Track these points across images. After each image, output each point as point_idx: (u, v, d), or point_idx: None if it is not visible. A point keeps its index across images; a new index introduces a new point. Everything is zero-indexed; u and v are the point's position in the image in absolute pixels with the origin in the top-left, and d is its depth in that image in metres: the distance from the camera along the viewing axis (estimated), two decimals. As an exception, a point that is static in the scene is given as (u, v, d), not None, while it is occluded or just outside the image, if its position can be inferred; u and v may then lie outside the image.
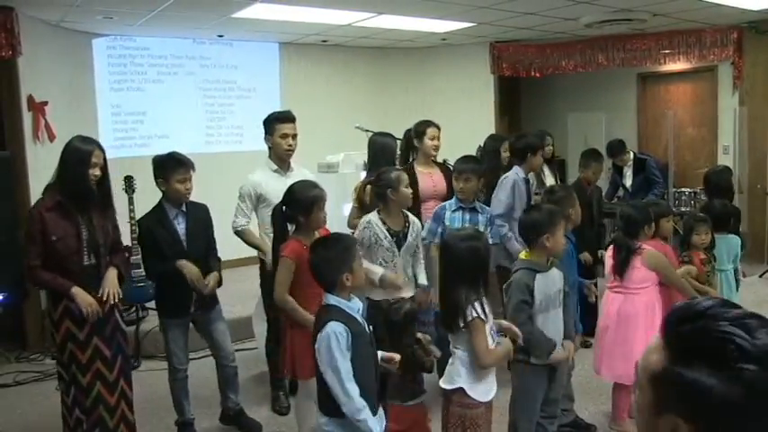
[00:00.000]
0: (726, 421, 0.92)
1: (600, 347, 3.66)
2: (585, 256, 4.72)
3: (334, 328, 2.32)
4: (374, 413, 2.44)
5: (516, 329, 2.81)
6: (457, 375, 2.74)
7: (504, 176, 4.32)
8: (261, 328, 4.31)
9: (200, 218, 3.66)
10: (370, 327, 2.53)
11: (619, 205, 5.55)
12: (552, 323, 3.02)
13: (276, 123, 3.99)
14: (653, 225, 3.65)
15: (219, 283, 3.67)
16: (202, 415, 3.91)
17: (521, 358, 2.99)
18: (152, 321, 5.26)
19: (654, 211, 3.82)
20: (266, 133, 4.04)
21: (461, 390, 2.71)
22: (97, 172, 3.13)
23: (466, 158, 4.09)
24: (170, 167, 3.50)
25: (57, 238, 3.07)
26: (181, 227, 3.57)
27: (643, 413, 1.02)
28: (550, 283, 3.02)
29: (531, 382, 3.03)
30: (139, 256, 5.20)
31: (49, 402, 4.33)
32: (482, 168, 4.10)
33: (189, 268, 3.48)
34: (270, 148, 4.05)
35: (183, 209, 3.59)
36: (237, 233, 3.94)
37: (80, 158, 3.09)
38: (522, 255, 3.14)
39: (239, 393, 3.89)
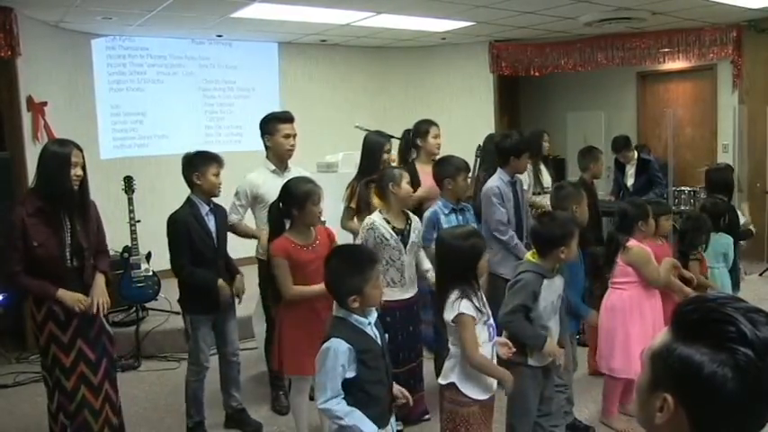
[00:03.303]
0: (709, 403, 0.93)
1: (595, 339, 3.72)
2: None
3: (335, 346, 2.24)
4: (385, 424, 2.40)
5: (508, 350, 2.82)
6: (450, 371, 2.75)
7: (484, 188, 4.15)
8: (261, 328, 4.31)
9: (224, 217, 3.75)
10: (385, 335, 2.46)
11: (618, 204, 5.54)
12: (553, 329, 3.04)
13: (278, 123, 3.99)
14: (650, 222, 3.66)
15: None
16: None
17: (517, 361, 2.98)
18: (152, 321, 5.26)
19: (654, 209, 3.84)
20: (265, 133, 4.02)
21: (454, 385, 2.72)
22: (79, 172, 3.12)
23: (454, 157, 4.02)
24: (207, 161, 3.60)
25: (38, 243, 3.04)
26: (212, 224, 3.63)
27: (640, 391, 1.03)
28: (554, 290, 3.03)
29: (527, 384, 3.02)
30: (139, 257, 5.23)
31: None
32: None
33: (225, 291, 3.59)
34: (268, 147, 4.04)
35: (212, 207, 3.65)
36: (230, 228, 3.93)
37: (60, 161, 3.07)
38: (529, 255, 3.10)
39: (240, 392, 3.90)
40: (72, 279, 3.13)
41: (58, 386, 3.17)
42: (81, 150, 3.16)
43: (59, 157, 3.08)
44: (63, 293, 3.08)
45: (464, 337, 2.65)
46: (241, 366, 3.92)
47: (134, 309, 5.28)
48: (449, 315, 2.67)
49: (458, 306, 2.64)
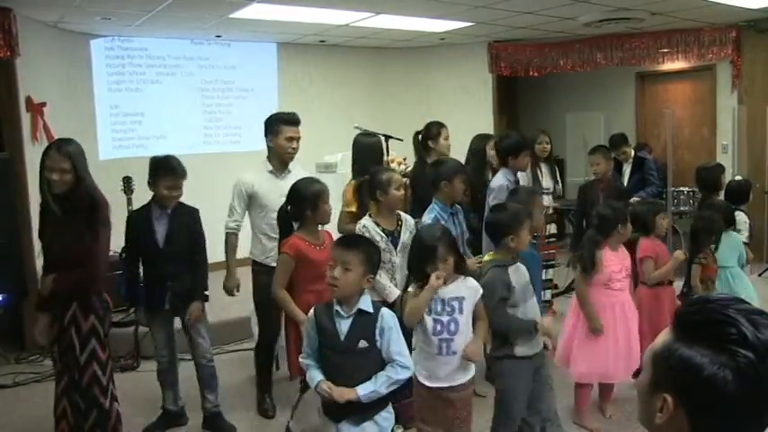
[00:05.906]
0: (709, 404, 0.93)
1: (566, 343, 3.71)
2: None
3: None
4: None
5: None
6: None
7: (491, 184, 4.20)
8: (259, 329, 4.30)
9: (184, 222, 3.65)
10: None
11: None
12: (532, 311, 3.05)
13: (282, 125, 3.90)
14: (628, 226, 3.65)
15: (206, 298, 3.78)
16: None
17: (504, 354, 2.97)
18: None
19: (650, 209, 3.86)
20: (269, 133, 3.93)
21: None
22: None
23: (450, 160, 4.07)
24: (161, 173, 3.55)
25: None
26: (161, 228, 3.60)
27: (641, 391, 1.03)
28: (521, 274, 3.05)
29: (515, 378, 2.99)
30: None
31: (48, 403, 4.29)
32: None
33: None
34: (270, 148, 3.95)
35: (168, 211, 3.61)
36: (227, 234, 3.95)
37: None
38: (488, 257, 3.16)
39: (218, 394, 3.83)
40: None
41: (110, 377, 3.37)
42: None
43: None
44: None
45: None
46: (239, 367, 3.92)
47: (133, 309, 5.26)
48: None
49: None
